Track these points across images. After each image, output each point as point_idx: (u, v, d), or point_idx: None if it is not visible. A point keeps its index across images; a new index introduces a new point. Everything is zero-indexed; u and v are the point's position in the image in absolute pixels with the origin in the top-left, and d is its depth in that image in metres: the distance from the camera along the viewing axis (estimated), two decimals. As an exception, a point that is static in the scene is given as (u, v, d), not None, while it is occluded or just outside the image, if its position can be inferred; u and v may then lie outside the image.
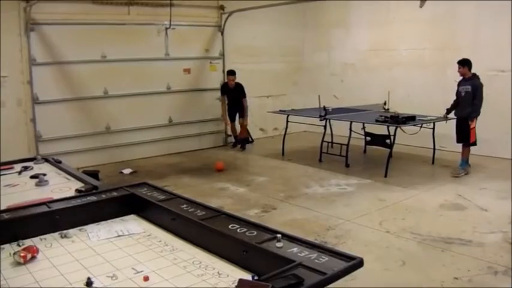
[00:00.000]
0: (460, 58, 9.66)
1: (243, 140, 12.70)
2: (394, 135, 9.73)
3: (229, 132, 13.08)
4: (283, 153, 11.66)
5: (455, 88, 9.92)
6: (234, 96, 12.30)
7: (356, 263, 2.26)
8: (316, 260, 2.28)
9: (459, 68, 9.66)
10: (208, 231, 2.77)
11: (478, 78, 9.62)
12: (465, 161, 9.87)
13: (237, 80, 12.16)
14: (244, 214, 7.07)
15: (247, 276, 2.32)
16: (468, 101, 9.57)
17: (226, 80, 12.44)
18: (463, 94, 9.67)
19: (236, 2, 12.22)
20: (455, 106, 9.89)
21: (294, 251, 2.40)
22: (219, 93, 12.65)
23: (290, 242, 2.52)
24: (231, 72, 12.15)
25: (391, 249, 6.12)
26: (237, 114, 12.63)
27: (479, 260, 5.74)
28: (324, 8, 13.66)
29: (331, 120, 10.93)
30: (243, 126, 12.59)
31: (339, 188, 8.91)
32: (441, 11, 11.55)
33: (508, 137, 10.75)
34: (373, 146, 10.84)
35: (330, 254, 2.35)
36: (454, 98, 9.92)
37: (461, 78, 9.81)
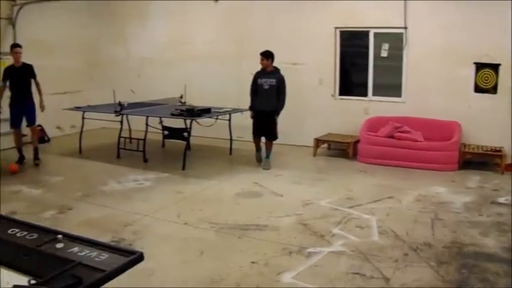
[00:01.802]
0: (259, 51, 9.77)
1: (36, 152, 10.43)
2: (190, 128, 9.76)
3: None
4: (80, 151, 11.32)
5: (251, 80, 10.01)
6: (20, 79, 10.10)
7: (136, 258, 2.25)
8: (96, 258, 2.24)
9: (262, 59, 9.67)
10: (-14, 238, 2.62)
11: (280, 72, 9.78)
12: (269, 154, 10.05)
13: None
14: (40, 217, 6.80)
15: (25, 280, 2.23)
16: (272, 95, 9.64)
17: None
18: (266, 87, 9.67)
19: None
20: (254, 100, 9.87)
21: (75, 251, 2.34)
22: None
23: (71, 241, 2.45)
24: (16, 45, 10.26)
25: (189, 241, 6.16)
26: (24, 119, 10.34)
27: (274, 243, 5.97)
28: (119, 2, 13.47)
29: (128, 116, 10.82)
30: (35, 132, 10.68)
31: (137, 184, 8.83)
32: (236, 6, 11.91)
33: (299, 125, 11.35)
34: (172, 140, 10.82)
35: (110, 250, 2.32)
36: (250, 91, 9.98)
37: (259, 70, 9.86)
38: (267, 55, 9.66)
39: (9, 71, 10.13)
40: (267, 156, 10.03)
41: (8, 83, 10.19)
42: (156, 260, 5.14)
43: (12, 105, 10.20)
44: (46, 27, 12.79)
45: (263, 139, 10.14)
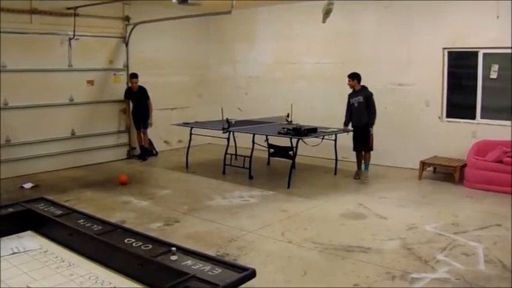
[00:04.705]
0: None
1: (146, 150, 12.93)
2: (296, 147, 9.84)
3: (134, 145, 13.04)
4: (187, 166, 11.65)
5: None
6: (137, 99, 12.56)
7: (248, 274, 2.30)
8: (209, 272, 2.31)
9: (349, 80, 10.29)
10: (104, 245, 2.75)
11: (367, 89, 10.23)
12: (368, 165, 10.54)
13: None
14: (147, 228, 7.04)
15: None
16: (362, 110, 10.20)
17: (129, 85, 12.61)
18: (356, 105, 10.26)
19: (141, 13, 12.25)
20: (349, 118, 10.44)
21: (188, 264, 2.42)
22: (123, 105, 12.75)
23: (185, 255, 2.54)
24: (134, 75, 12.39)
25: (292, 259, 6.18)
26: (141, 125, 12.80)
27: (378, 266, 5.91)
28: (228, 21, 13.71)
29: (234, 133, 10.97)
30: (146, 135, 12.84)
31: (242, 200, 8.95)
32: (343, 27, 11.90)
33: (404, 147, 11.17)
34: (277, 158, 10.97)
35: (223, 265, 2.38)
36: (345, 110, 10.52)
37: (351, 91, 10.40)
38: (352, 76, 10.34)
39: (129, 93, 12.63)
40: (366, 168, 10.57)
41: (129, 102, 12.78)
42: (259, 278, 5.15)
43: (133, 115, 12.79)
44: (157, 46, 13.32)
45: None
